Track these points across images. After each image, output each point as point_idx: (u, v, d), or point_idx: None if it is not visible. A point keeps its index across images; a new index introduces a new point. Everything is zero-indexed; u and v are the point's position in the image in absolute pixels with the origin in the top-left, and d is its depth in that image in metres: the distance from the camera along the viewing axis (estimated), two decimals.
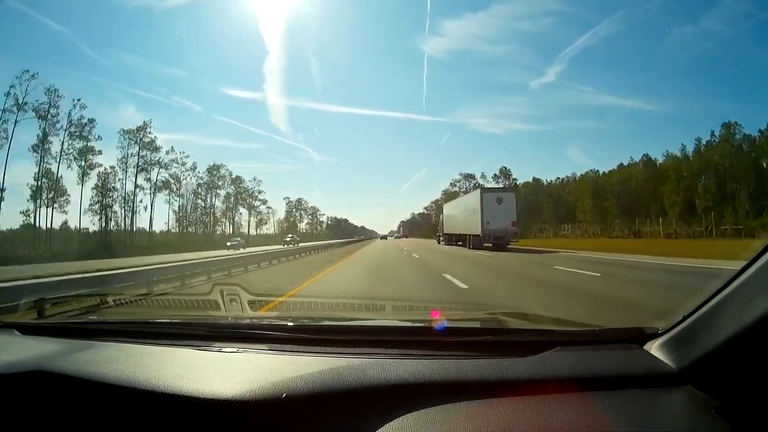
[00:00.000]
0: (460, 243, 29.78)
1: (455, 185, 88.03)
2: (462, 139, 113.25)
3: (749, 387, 0.81)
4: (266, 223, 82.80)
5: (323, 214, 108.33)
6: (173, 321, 1.67)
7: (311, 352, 1.17)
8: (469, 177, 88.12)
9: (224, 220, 72.62)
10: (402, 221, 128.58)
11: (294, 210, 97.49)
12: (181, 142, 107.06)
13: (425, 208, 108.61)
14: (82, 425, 1.07)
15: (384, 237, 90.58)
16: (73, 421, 1.08)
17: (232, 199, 72.67)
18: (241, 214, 75.37)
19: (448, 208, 36.00)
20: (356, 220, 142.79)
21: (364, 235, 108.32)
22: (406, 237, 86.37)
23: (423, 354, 1.12)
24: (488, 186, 54.50)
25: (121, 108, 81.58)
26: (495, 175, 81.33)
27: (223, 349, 1.22)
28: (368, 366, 1.03)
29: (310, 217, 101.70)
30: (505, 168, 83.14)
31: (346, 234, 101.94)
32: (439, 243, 38.10)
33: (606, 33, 68.03)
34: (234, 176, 72.47)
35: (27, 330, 1.56)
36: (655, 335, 1.08)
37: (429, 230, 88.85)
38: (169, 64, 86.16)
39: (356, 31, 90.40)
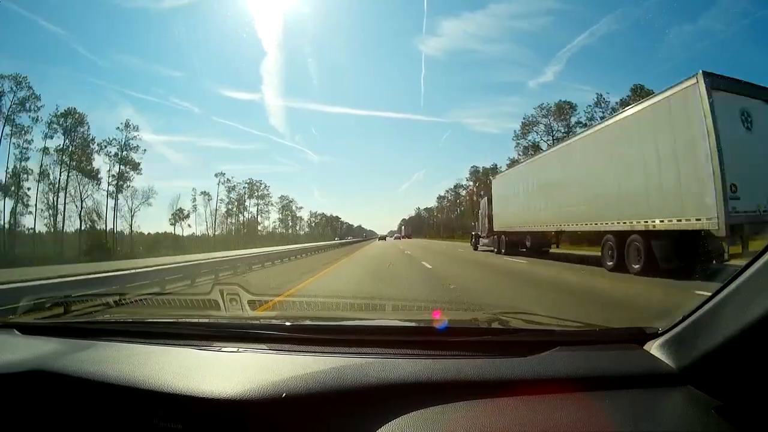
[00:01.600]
0: (523, 250, 16.71)
1: (531, 130, 45.66)
2: (461, 139, 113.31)
3: (749, 387, 0.81)
4: (188, 217, 54.13)
5: (300, 208, 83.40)
6: (173, 321, 1.67)
7: (311, 352, 1.17)
8: (562, 110, 43.55)
9: (50, 203, 38.16)
10: (404, 219, 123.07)
11: (247, 198, 62.54)
12: (180, 144, 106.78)
13: (438, 198, 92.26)
14: (82, 425, 1.08)
15: (383, 237, 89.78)
16: (74, 421, 1.08)
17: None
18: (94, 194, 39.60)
19: (508, 181, 19.20)
20: (354, 220, 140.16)
21: (353, 236, 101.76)
22: (409, 237, 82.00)
23: (423, 354, 1.12)
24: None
25: (118, 109, 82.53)
26: (621, 100, 39.01)
27: (223, 349, 1.22)
28: (368, 366, 1.02)
29: (280, 211, 74.91)
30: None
31: (338, 235, 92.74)
32: (476, 249, 23.23)
33: (604, 32, 67.09)
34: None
35: (27, 330, 1.56)
36: (655, 335, 1.08)
37: (442, 229, 77.64)
38: (167, 65, 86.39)
39: (354, 32, 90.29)
